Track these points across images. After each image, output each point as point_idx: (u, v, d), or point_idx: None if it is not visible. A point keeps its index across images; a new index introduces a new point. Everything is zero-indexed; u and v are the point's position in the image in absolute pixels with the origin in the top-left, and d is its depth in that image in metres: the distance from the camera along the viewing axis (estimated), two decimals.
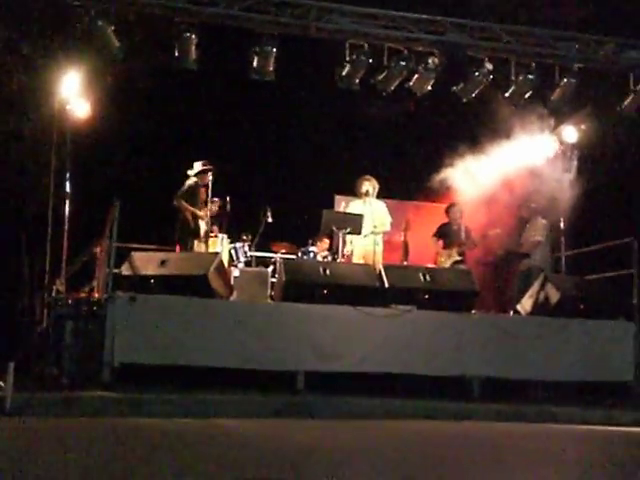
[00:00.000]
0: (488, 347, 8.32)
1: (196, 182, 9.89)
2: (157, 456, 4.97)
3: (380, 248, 10.27)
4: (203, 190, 9.93)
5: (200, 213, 9.71)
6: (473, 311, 8.67)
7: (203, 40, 8.68)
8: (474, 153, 11.23)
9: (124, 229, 8.16)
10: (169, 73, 10.34)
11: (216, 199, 9.94)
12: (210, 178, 9.91)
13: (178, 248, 9.73)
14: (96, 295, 8.33)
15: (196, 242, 9.60)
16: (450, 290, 8.54)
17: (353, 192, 10.53)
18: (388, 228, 10.39)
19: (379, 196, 10.48)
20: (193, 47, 8.69)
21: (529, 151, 11.31)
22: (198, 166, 9.96)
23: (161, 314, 7.73)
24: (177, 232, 9.75)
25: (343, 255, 9.86)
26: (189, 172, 9.97)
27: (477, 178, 11.40)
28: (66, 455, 4.87)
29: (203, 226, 9.68)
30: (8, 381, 6.33)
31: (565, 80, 9.51)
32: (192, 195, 9.80)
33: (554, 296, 8.76)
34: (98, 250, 8.91)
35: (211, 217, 9.87)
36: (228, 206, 10.02)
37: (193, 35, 8.57)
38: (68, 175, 9.40)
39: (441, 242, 10.63)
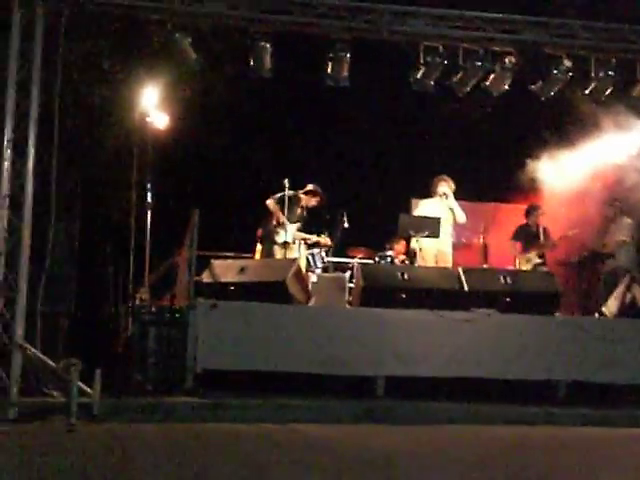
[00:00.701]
0: (573, 350, 8.13)
1: (297, 197, 9.98)
2: (239, 461, 5.03)
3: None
4: (301, 209, 10.02)
5: (285, 220, 9.73)
6: (557, 314, 8.48)
7: (278, 48, 8.74)
8: (555, 152, 11.02)
9: (204, 238, 8.29)
10: (246, 83, 10.45)
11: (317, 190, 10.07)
12: (314, 203, 10.08)
13: (259, 247, 9.84)
14: (178, 302, 8.48)
15: (275, 248, 9.68)
16: (532, 292, 8.37)
17: (429, 194, 10.42)
18: (464, 220, 10.20)
19: (456, 198, 10.33)
20: (268, 56, 8.75)
21: (614, 148, 11.04)
22: (310, 187, 10.11)
23: (241, 320, 7.81)
24: (261, 232, 9.88)
25: (413, 255, 9.79)
26: (300, 191, 10.11)
27: (559, 177, 11.19)
28: (154, 461, 4.97)
29: (284, 235, 9.72)
30: (95, 387, 6.50)
31: None
32: (287, 204, 9.83)
33: None
34: (179, 258, 9.08)
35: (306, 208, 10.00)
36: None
37: (268, 44, 8.64)
38: (149, 185, 9.61)
39: (519, 245, 10.45)
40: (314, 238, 10.09)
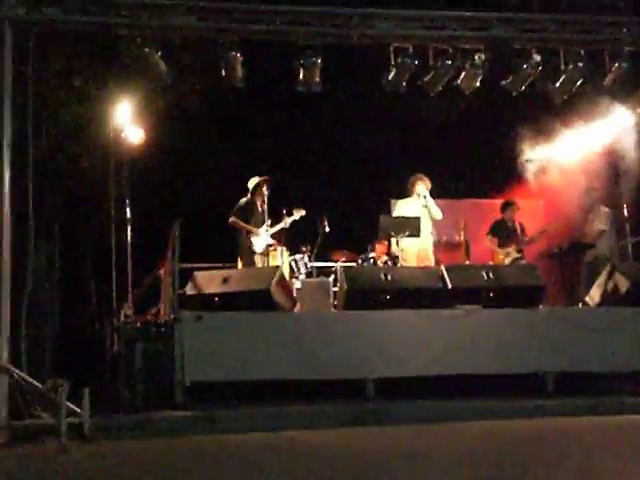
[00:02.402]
0: (559, 341, 8.17)
1: (250, 198, 9.93)
2: (236, 471, 5.02)
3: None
4: (260, 204, 9.95)
5: (254, 230, 9.72)
6: (541, 306, 8.53)
7: (248, 57, 8.75)
8: (530, 146, 11.10)
9: (186, 250, 8.27)
10: (219, 92, 10.45)
11: (300, 209, 10.00)
12: (266, 190, 9.93)
13: (240, 265, 9.79)
14: (163, 316, 8.45)
15: (255, 258, 9.64)
16: (515, 286, 8.42)
17: (406, 194, 10.46)
18: (440, 216, 10.21)
19: (434, 196, 10.38)
20: (239, 65, 8.76)
21: (587, 139, 11.12)
22: (252, 182, 10.01)
23: (227, 331, 7.80)
24: (238, 250, 9.83)
25: (395, 258, 9.80)
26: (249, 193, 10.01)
27: (535, 170, 11.28)
28: (148, 477, 4.95)
29: (259, 242, 9.69)
30: (84, 406, 6.46)
31: (616, 64, 9.32)
32: (246, 212, 9.81)
33: (623, 285, 8.57)
34: (162, 272, 9.06)
35: (280, 230, 9.92)
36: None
37: (238, 54, 8.65)
38: (128, 200, 9.58)
39: (496, 240, 10.52)
40: (286, 221, 9.97)
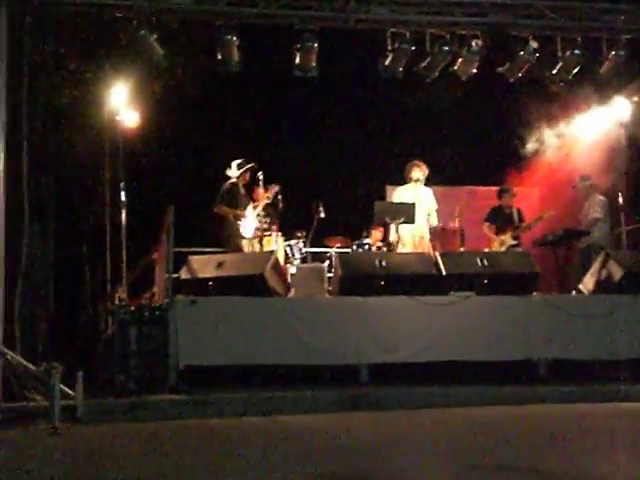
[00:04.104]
0: (552, 328, 8.20)
1: (234, 183, 9.79)
2: (229, 455, 5.04)
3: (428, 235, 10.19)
4: (244, 189, 9.85)
5: (242, 214, 9.63)
6: (534, 293, 8.54)
7: (245, 41, 8.72)
8: (526, 133, 11.09)
9: (180, 233, 8.26)
10: (214, 76, 10.41)
11: (274, 185, 9.86)
12: (248, 178, 9.81)
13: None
14: (157, 300, 8.45)
15: (244, 242, 9.56)
16: (509, 273, 8.43)
17: (403, 181, 10.45)
18: (435, 218, 10.24)
19: (430, 183, 10.36)
20: (235, 49, 8.73)
21: (583, 127, 11.11)
22: (235, 166, 9.88)
23: (221, 315, 7.80)
24: (223, 236, 9.69)
25: (390, 244, 9.78)
26: (228, 172, 9.88)
27: (530, 158, 11.28)
28: (141, 459, 4.97)
29: (248, 226, 9.61)
30: (78, 389, 6.48)
31: (613, 53, 9.30)
32: (231, 197, 9.66)
33: (617, 273, 8.58)
34: (156, 256, 9.05)
35: (263, 209, 9.82)
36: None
37: (234, 37, 8.61)
38: (122, 184, 9.55)
39: (493, 227, 10.51)
40: (269, 196, 9.80)
